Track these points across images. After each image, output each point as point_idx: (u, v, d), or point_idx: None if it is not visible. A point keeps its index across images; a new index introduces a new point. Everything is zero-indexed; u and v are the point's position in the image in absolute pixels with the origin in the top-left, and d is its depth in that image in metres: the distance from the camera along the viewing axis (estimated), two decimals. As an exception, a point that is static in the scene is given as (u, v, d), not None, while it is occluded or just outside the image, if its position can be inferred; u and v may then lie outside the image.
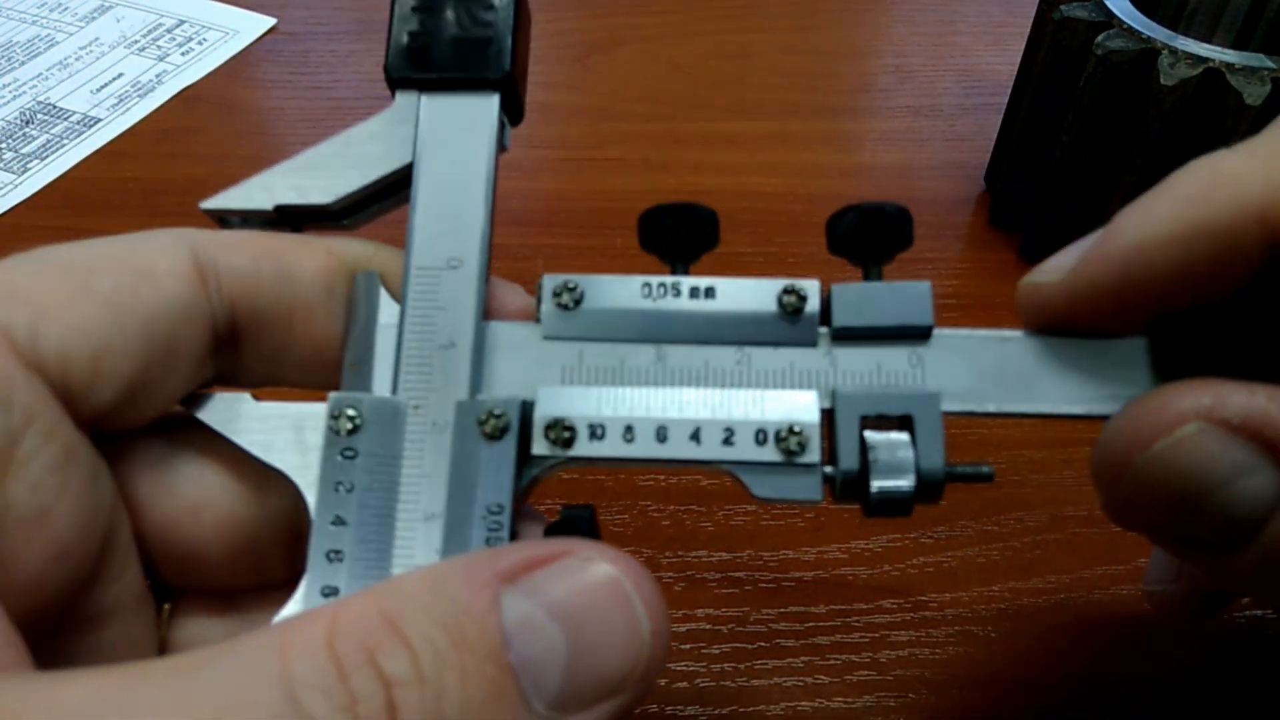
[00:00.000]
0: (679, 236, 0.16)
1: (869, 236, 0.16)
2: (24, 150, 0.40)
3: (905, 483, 0.15)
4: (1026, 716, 0.23)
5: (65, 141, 0.41)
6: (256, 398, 0.16)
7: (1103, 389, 0.15)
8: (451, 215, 0.16)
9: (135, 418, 0.15)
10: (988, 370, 0.16)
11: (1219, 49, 0.30)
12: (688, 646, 0.25)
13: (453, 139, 0.16)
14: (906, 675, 0.24)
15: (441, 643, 0.11)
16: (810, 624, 0.25)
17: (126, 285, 0.15)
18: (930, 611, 0.25)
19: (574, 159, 0.41)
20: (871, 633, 0.25)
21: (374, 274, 0.16)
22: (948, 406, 0.15)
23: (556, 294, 0.16)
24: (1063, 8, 0.31)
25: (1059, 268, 0.16)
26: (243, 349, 0.16)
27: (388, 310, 0.16)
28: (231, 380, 0.17)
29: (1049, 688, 0.24)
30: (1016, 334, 0.16)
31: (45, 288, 0.14)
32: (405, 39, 0.17)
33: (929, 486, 0.15)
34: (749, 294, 0.16)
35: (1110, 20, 0.31)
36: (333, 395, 0.15)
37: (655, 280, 0.16)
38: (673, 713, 0.23)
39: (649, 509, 0.28)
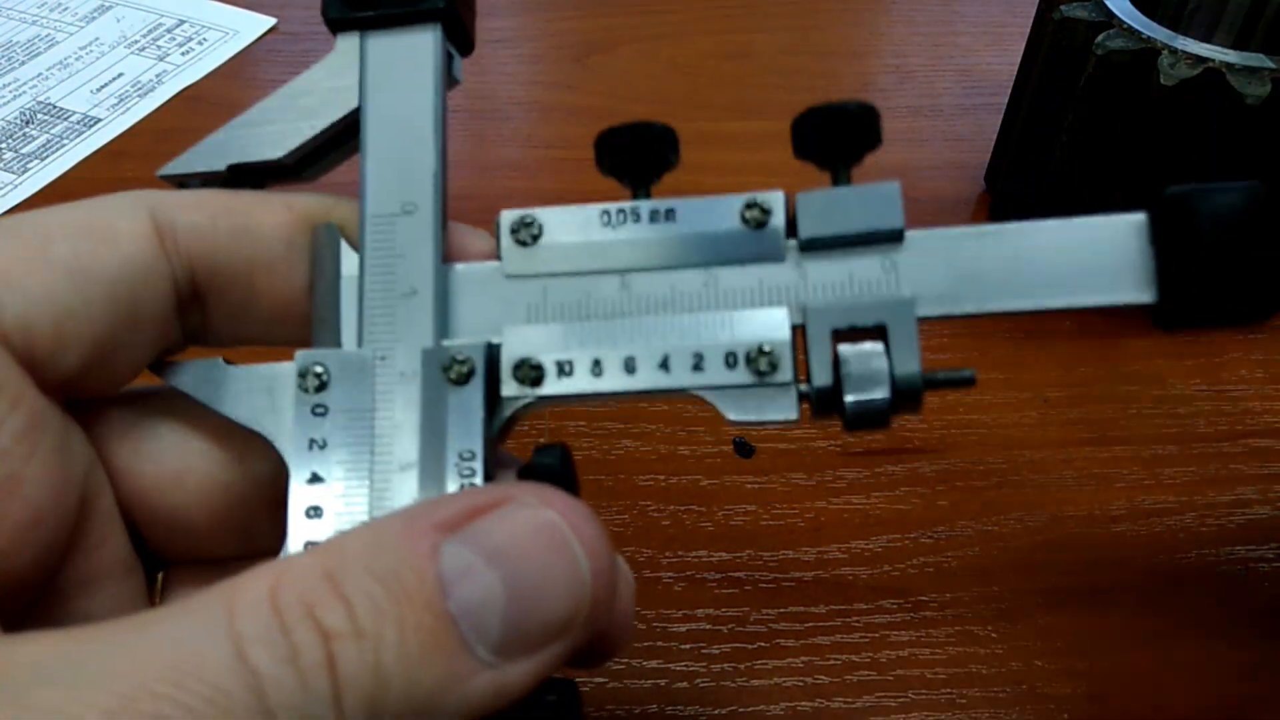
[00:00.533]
0: (635, 155, 0.16)
1: (834, 135, 0.15)
2: (24, 150, 0.40)
3: (880, 394, 0.14)
4: (1026, 717, 0.23)
5: (65, 141, 0.41)
6: (229, 361, 0.16)
7: (1097, 275, 0.15)
8: (402, 158, 0.16)
9: (105, 382, 0.16)
10: (966, 269, 0.15)
11: (1219, 49, 0.30)
12: (687, 646, 0.25)
13: (397, 78, 0.16)
14: (906, 675, 0.24)
15: (379, 595, 0.11)
16: (810, 624, 0.25)
17: (85, 250, 0.15)
18: (930, 612, 0.25)
19: (573, 159, 0.41)
20: (871, 633, 0.25)
21: (333, 226, 0.16)
22: (923, 311, 0.15)
23: (514, 231, 0.16)
24: (1063, 8, 0.31)
25: None
26: (207, 308, 0.16)
27: (349, 262, 0.16)
28: (201, 341, 0.17)
29: (1049, 688, 0.24)
30: (995, 227, 0.15)
31: (3, 258, 0.14)
32: None
33: (906, 395, 0.14)
34: (711, 212, 0.15)
35: (1110, 20, 0.31)
36: (299, 353, 0.15)
37: (614, 207, 0.16)
38: (672, 713, 0.23)
39: (648, 509, 0.28)
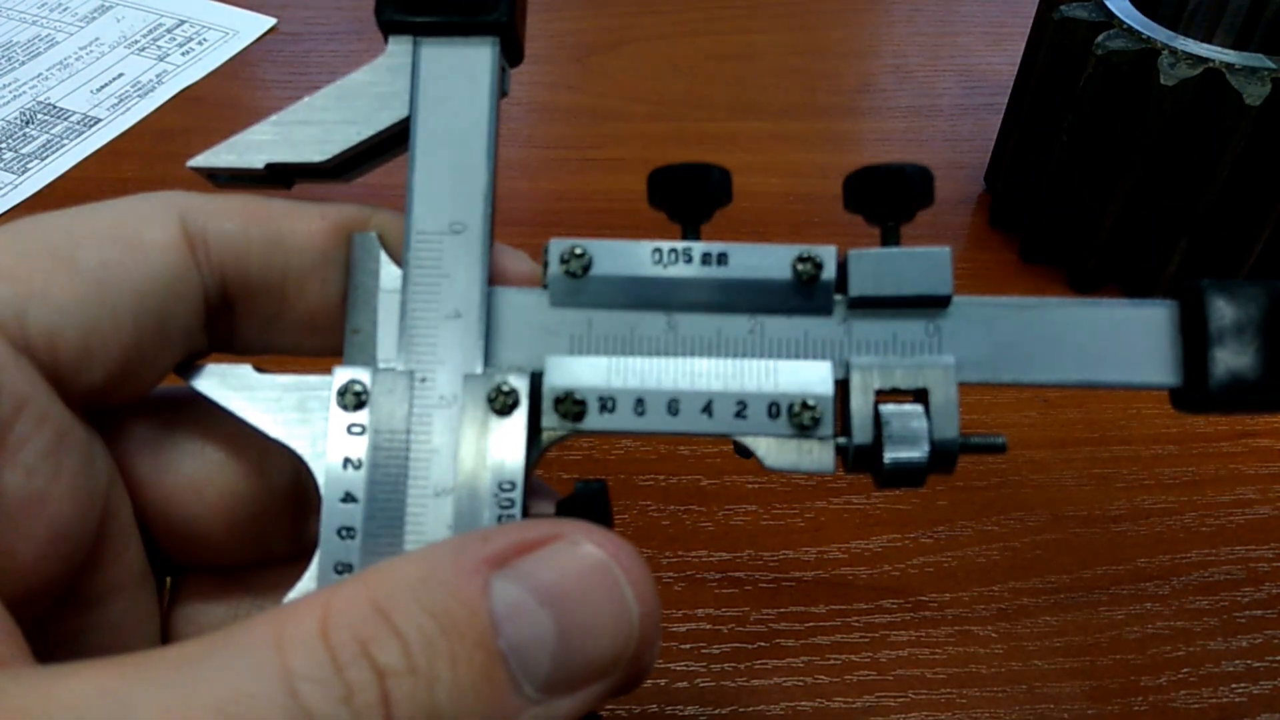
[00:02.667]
0: (692, 197, 0.16)
1: (889, 196, 0.16)
2: (24, 150, 0.40)
3: (919, 454, 0.15)
4: (1026, 717, 0.23)
5: (65, 142, 0.41)
6: (259, 368, 0.16)
7: (1127, 356, 0.15)
8: (452, 175, 0.15)
9: (129, 393, 0.15)
10: (1006, 340, 0.15)
11: (1219, 49, 0.30)
12: (687, 646, 0.25)
13: (451, 90, 0.16)
14: (906, 675, 0.24)
15: (432, 631, 0.11)
16: (810, 624, 0.25)
17: (114, 259, 0.14)
18: (930, 611, 0.25)
19: (574, 159, 0.41)
20: (871, 633, 0.25)
21: (372, 236, 0.16)
22: (964, 377, 0.15)
23: (564, 260, 0.15)
24: (1062, 8, 0.31)
25: None
26: (236, 317, 0.16)
27: (388, 274, 0.16)
28: (228, 348, 0.17)
29: (1049, 688, 0.24)
30: (1037, 301, 0.15)
31: (30, 266, 0.14)
32: None
33: (943, 457, 0.15)
34: (763, 260, 0.15)
35: (1110, 20, 0.31)
36: (338, 369, 0.15)
37: (666, 245, 0.16)
38: (672, 713, 0.23)
39: (649, 509, 0.28)
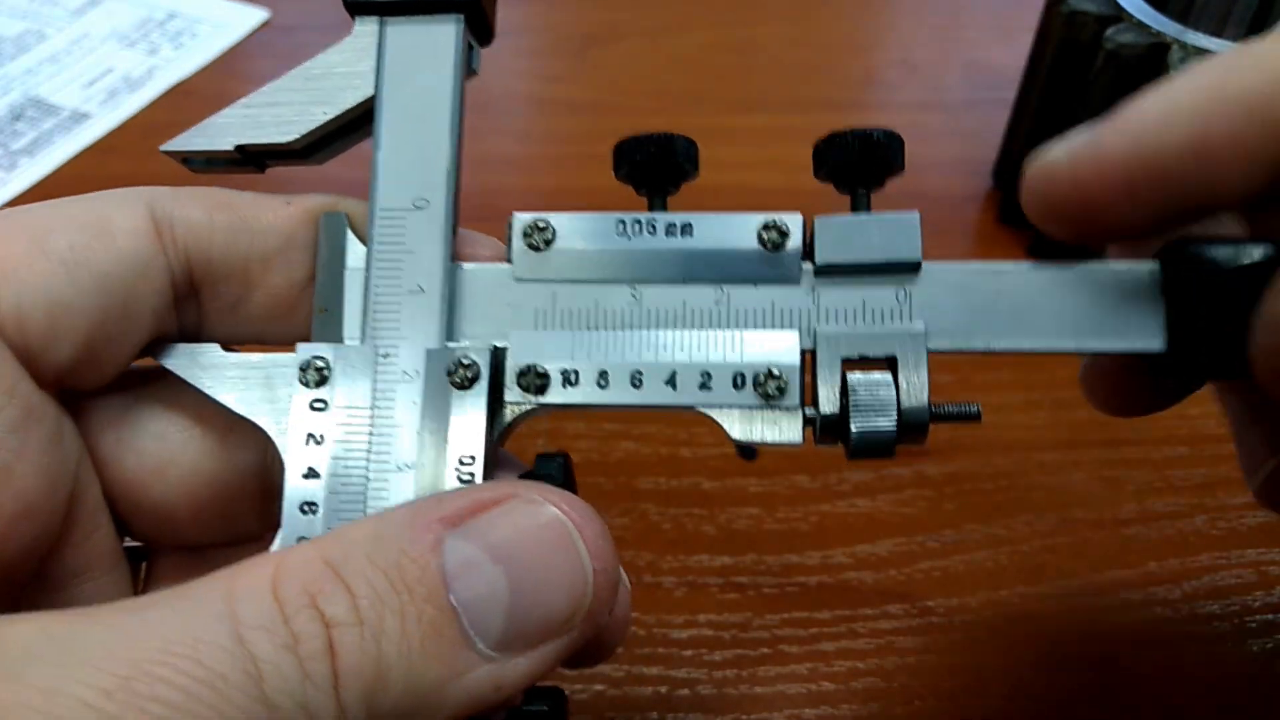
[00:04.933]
0: (657, 167, 0.16)
1: (858, 161, 0.15)
2: (13, 147, 0.40)
3: (887, 424, 0.14)
4: (1036, 725, 0.23)
5: (55, 137, 0.40)
6: (225, 346, 0.16)
7: (1107, 321, 0.14)
8: (416, 152, 0.16)
9: (98, 374, 0.16)
10: (979, 305, 0.15)
11: (1229, 43, 0.29)
12: (689, 653, 0.24)
13: (416, 69, 0.16)
14: (913, 683, 0.24)
15: (381, 585, 0.12)
16: (814, 630, 0.25)
17: (81, 243, 0.15)
18: (937, 617, 0.25)
19: (572, 155, 0.40)
20: (877, 639, 0.24)
21: (340, 215, 0.16)
22: (934, 345, 0.15)
23: (527, 234, 0.16)
24: (1071, 1, 0.31)
25: (1068, 147, 0.14)
26: (203, 304, 0.16)
27: (355, 253, 0.16)
28: (196, 337, 0.17)
29: (1058, 695, 0.23)
30: (1012, 265, 0.15)
31: (1, 249, 0.14)
32: None
33: (912, 427, 0.14)
34: (728, 229, 0.15)
35: (1120, 14, 0.30)
36: (301, 346, 0.15)
37: (630, 217, 0.15)
38: (674, 721, 0.23)
39: (649, 512, 0.27)
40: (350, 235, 0.16)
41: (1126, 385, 0.17)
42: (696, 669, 0.24)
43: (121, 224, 0.15)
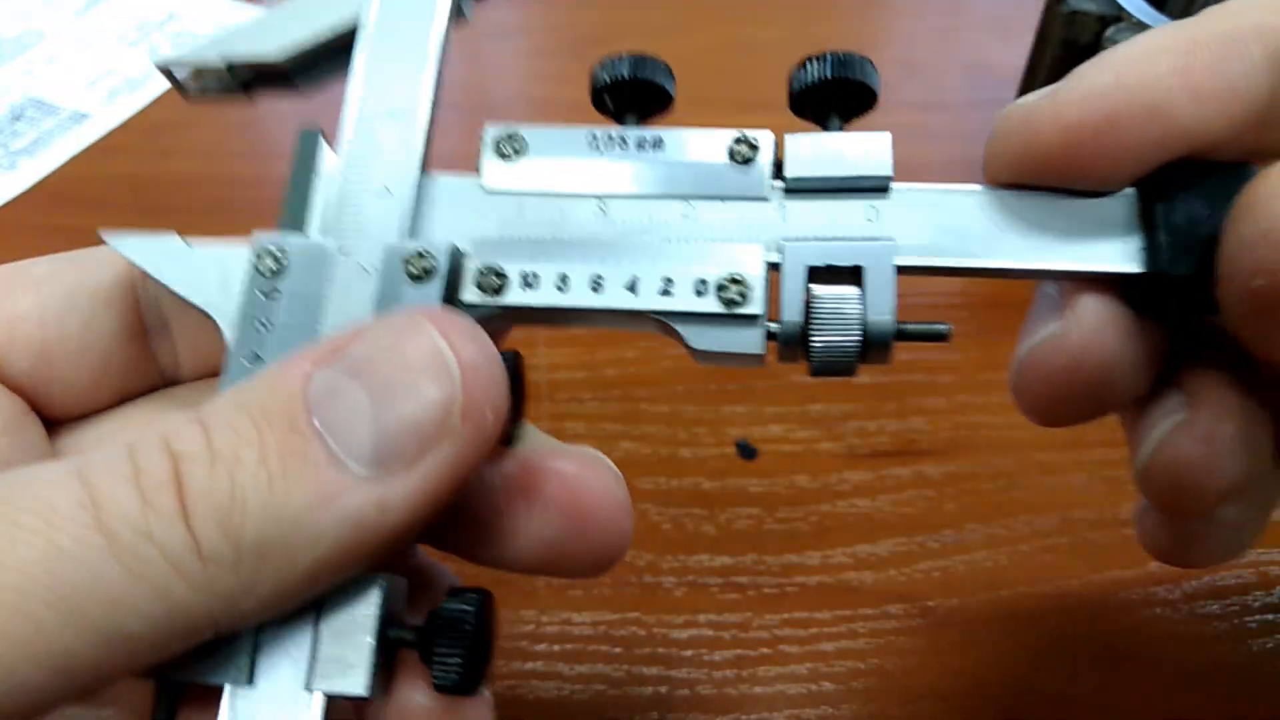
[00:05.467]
0: (628, 88, 0.16)
1: (830, 88, 0.15)
2: (13, 147, 0.40)
3: (851, 338, 0.14)
4: (1036, 725, 0.23)
5: (55, 137, 0.40)
6: (183, 236, 0.16)
7: (1078, 244, 0.14)
8: (399, 65, 0.16)
9: (64, 394, 0.16)
10: (949, 225, 0.15)
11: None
12: (689, 653, 0.24)
13: None
14: (913, 683, 0.24)
15: (240, 422, 0.12)
16: (814, 630, 0.25)
17: (56, 269, 0.16)
18: (938, 617, 0.25)
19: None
20: (877, 639, 0.24)
21: (316, 131, 0.16)
22: (901, 260, 0.14)
23: (497, 143, 0.16)
24: (1071, 1, 0.31)
25: (1048, 90, 0.14)
26: (176, 340, 0.17)
27: (329, 162, 0.16)
28: (174, 379, 0.17)
29: (1060, 696, 0.23)
30: (984, 189, 0.15)
31: (2, 277, 0.16)
32: None
33: (877, 343, 0.14)
34: (699, 144, 0.15)
35: (1120, 14, 0.30)
36: (256, 233, 0.15)
37: (602, 131, 0.15)
38: (674, 722, 0.23)
39: (649, 512, 0.27)
40: (324, 146, 0.16)
41: (1062, 388, 0.17)
42: (696, 669, 0.24)
43: (98, 256, 0.16)
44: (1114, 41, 0.29)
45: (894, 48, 0.46)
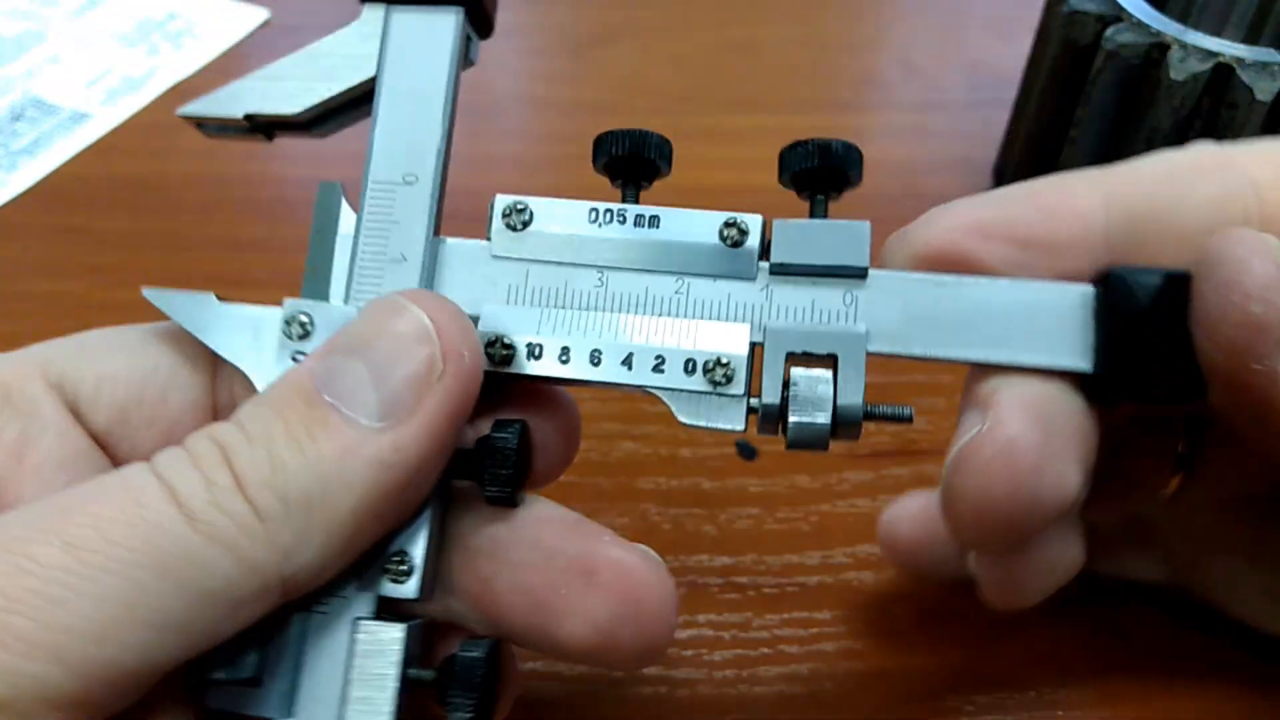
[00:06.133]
0: (630, 161, 0.17)
1: (817, 170, 0.16)
2: (13, 147, 0.40)
3: (822, 418, 0.15)
4: (1036, 725, 0.23)
5: (55, 137, 0.40)
6: (220, 296, 0.17)
7: (1038, 339, 0.15)
8: (410, 131, 0.17)
9: (137, 455, 0.17)
10: (921, 314, 0.16)
11: (1229, 43, 0.29)
12: (689, 654, 0.24)
13: (416, 54, 0.17)
14: (914, 684, 0.24)
15: (263, 411, 0.14)
16: (815, 630, 0.25)
17: (149, 339, 0.18)
18: (939, 617, 0.25)
19: (573, 155, 0.40)
20: (877, 639, 0.24)
21: (336, 185, 0.17)
22: (874, 347, 0.16)
23: (506, 214, 0.17)
24: (1071, 1, 0.31)
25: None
26: (116, 446, 0.18)
27: (347, 221, 0.17)
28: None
29: (1059, 694, 0.23)
30: (954, 278, 0.16)
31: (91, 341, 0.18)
32: None
33: (846, 423, 0.15)
34: (692, 225, 0.16)
35: (1120, 14, 0.30)
36: (287, 301, 0.16)
37: (603, 206, 0.17)
38: (674, 722, 0.23)
39: (649, 512, 0.27)
40: (344, 205, 0.17)
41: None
42: (696, 669, 0.24)
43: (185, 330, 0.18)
44: (1114, 41, 0.30)
45: (894, 47, 0.46)
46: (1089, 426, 0.16)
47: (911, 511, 0.21)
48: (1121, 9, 0.30)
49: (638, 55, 0.45)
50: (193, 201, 0.37)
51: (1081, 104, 0.31)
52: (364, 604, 0.15)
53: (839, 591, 0.25)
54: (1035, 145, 0.34)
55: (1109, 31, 0.30)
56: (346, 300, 0.16)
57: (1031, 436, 0.15)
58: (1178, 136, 0.29)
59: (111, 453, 0.17)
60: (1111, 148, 0.31)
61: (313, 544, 0.14)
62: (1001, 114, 0.36)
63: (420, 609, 0.16)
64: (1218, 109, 0.29)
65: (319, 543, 0.14)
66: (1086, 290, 0.15)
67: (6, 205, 0.37)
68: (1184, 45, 0.29)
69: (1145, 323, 0.15)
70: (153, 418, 0.17)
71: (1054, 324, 0.15)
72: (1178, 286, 0.15)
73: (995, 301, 0.16)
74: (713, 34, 0.46)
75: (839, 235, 0.16)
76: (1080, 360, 0.15)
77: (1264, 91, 0.28)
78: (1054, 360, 0.15)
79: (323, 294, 0.17)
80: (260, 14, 0.47)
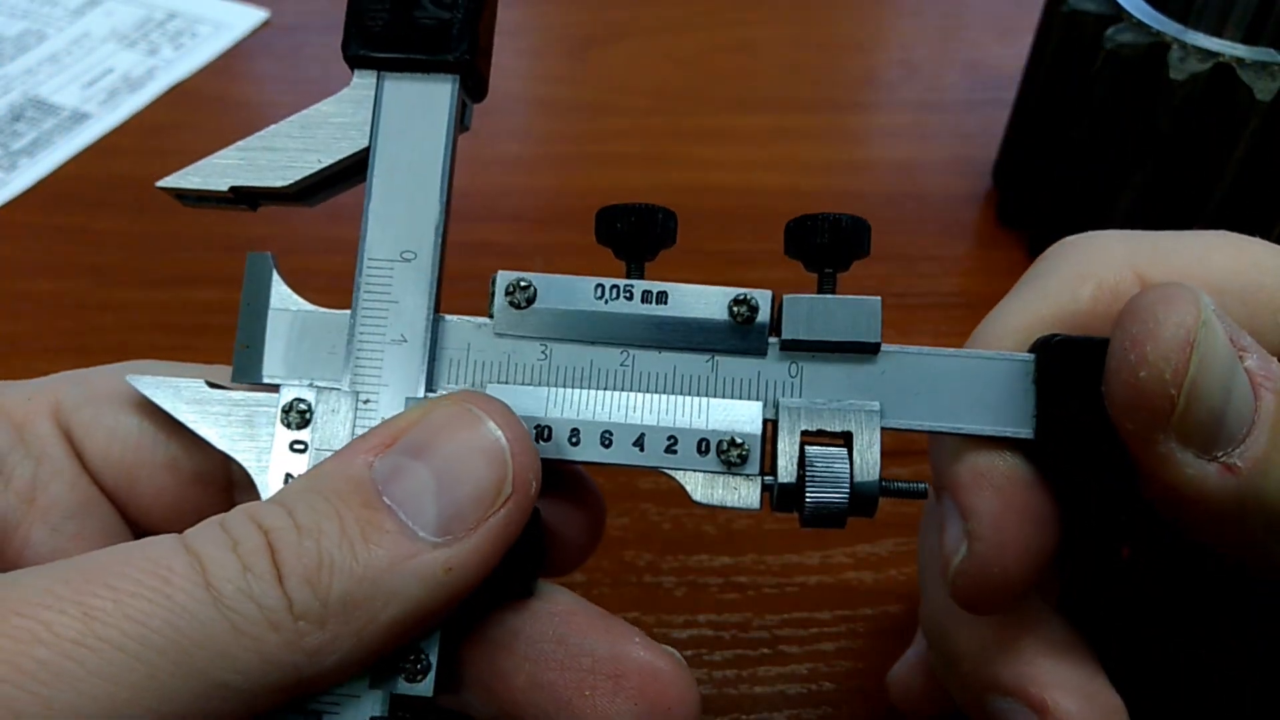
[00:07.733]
0: (635, 237, 0.16)
1: (826, 245, 0.16)
2: (13, 147, 0.40)
3: (840, 496, 0.15)
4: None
5: (55, 137, 0.40)
6: (209, 382, 0.16)
7: (990, 407, 0.16)
8: (406, 205, 0.16)
9: (144, 516, 0.17)
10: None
11: (1229, 43, 0.29)
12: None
13: (410, 123, 0.16)
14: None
15: (316, 500, 0.13)
16: (814, 630, 0.25)
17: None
18: (937, 617, 0.25)
19: (574, 154, 0.40)
20: (877, 639, 0.24)
21: (266, 256, 0.17)
22: (887, 423, 0.16)
23: (509, 292, 0.16)
24: (1071, 1, 0.31)
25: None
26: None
27: (279, 294, 0.16)
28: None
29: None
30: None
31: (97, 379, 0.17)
32: (365, 17, 0.17)
33: (863, 501, 0.15)
34: (700, 301, 0.16)
35: (1119, 14, 0.30)
36: (284, 388, 0.16)
37: (609, 282, 0.16)
38: (675, 722, 0.23)
39: (649, 512, 0.27)
40: (276, 277, 0.16)
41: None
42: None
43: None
44: (1114, 41, 0.30)
45: (894, 47, 0.46)
46: (1045, 498, 0.16)
47: (910, 663, 0.21)
48: (1121, 9, 0.30)
49: (638, 55, 0.45)
50: (193, 202, 0.37)
51: (1082, 104, 0.31)
52: (376, 703, 0.14)
53: (839, 591, 0.25)
54: (1035, 146, 0.34)
55: (1109, 31, 0.30)
56: (347, 386, 0.16)
57: (1013, 549, 0.15)
58: (1178, 137, 0.29)
59: (125, 512, 0.17)
60: (1112, 148, 0.31)
61: (341, 650, 0.13)
62: (1001, 114, 0.36)
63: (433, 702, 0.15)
64: (1218, 109, 0.29)
65: (348, 649, 0.13)
66: (1026, 360, 0.15)
67: (6, 205, 0.37)
68: (1184, 45, 0.29)
69: (1065, 391, 0.15)
70: (162, 487, 0.17)
71: (1003, 393, 0.15)
72: (1101, 353, 0.14)
73: (944, 373, 0.16)
74: (713, 34, 0.46)
75: (850, 311, 0.16)
76: (1021, 428, 0.15)
77: (1264, 91, 0.28)
78: (999, 429, 0.15)
79: (255, 373, 0.16)
80: (259, 14, 0.47)
